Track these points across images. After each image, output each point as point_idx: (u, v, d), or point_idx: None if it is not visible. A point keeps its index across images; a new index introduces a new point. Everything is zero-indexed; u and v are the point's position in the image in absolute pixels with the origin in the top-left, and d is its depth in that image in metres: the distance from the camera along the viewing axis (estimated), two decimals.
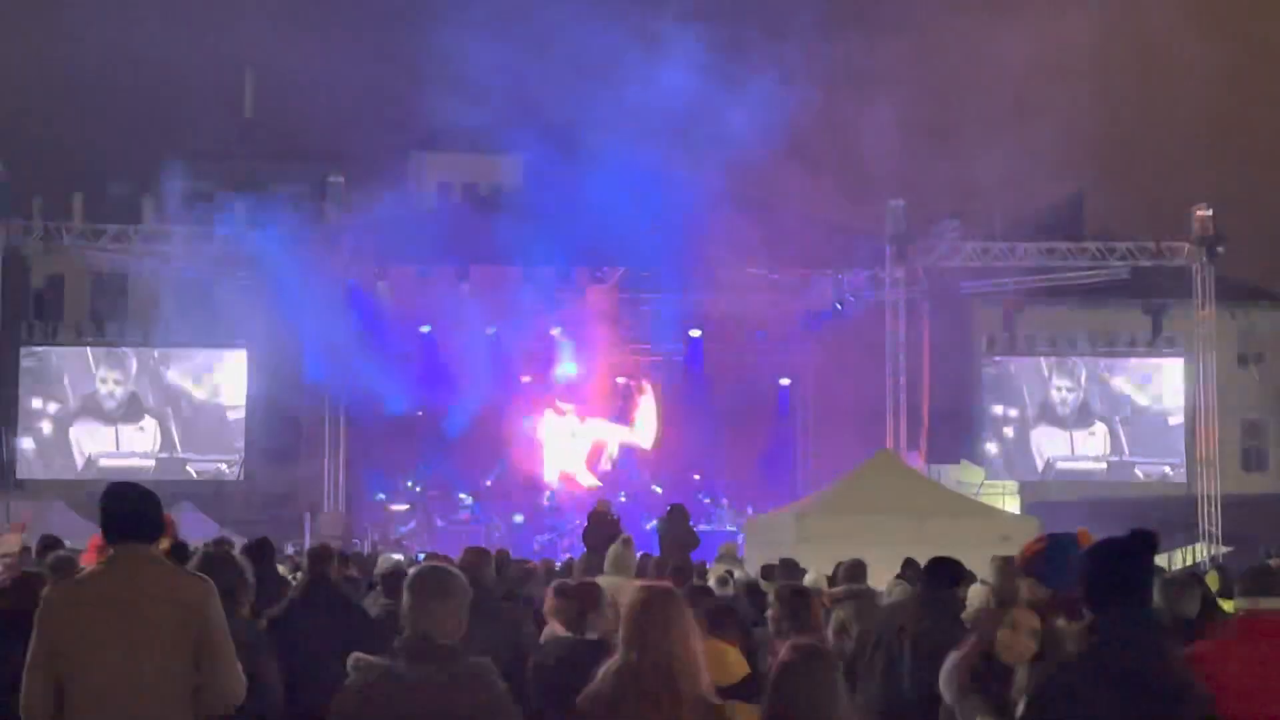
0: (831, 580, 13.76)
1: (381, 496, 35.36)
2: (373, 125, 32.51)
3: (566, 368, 37.02)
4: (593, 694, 5.53)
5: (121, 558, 6.13)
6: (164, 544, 8.58)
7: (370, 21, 30.43)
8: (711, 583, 13.12)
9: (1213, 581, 13.54)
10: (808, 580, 13.79)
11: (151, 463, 32.19)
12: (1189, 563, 30.21)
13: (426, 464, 36.29)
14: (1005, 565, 8.72)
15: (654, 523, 27.25)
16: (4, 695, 7.29)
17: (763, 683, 6.46)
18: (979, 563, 13.30)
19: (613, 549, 11.75)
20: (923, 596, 9.18)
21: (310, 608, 8.86)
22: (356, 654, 5.55)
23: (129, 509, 6.19)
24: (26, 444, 32.41)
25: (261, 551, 10.66)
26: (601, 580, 9.81)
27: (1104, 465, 35.14)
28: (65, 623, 5.99)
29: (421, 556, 23.40)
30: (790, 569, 13.97)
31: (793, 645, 5.80)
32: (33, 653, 6.01)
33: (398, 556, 21.17)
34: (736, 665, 7.80)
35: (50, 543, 13.02)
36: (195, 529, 25.34)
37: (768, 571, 14.69)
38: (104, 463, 32.38)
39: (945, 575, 9.08)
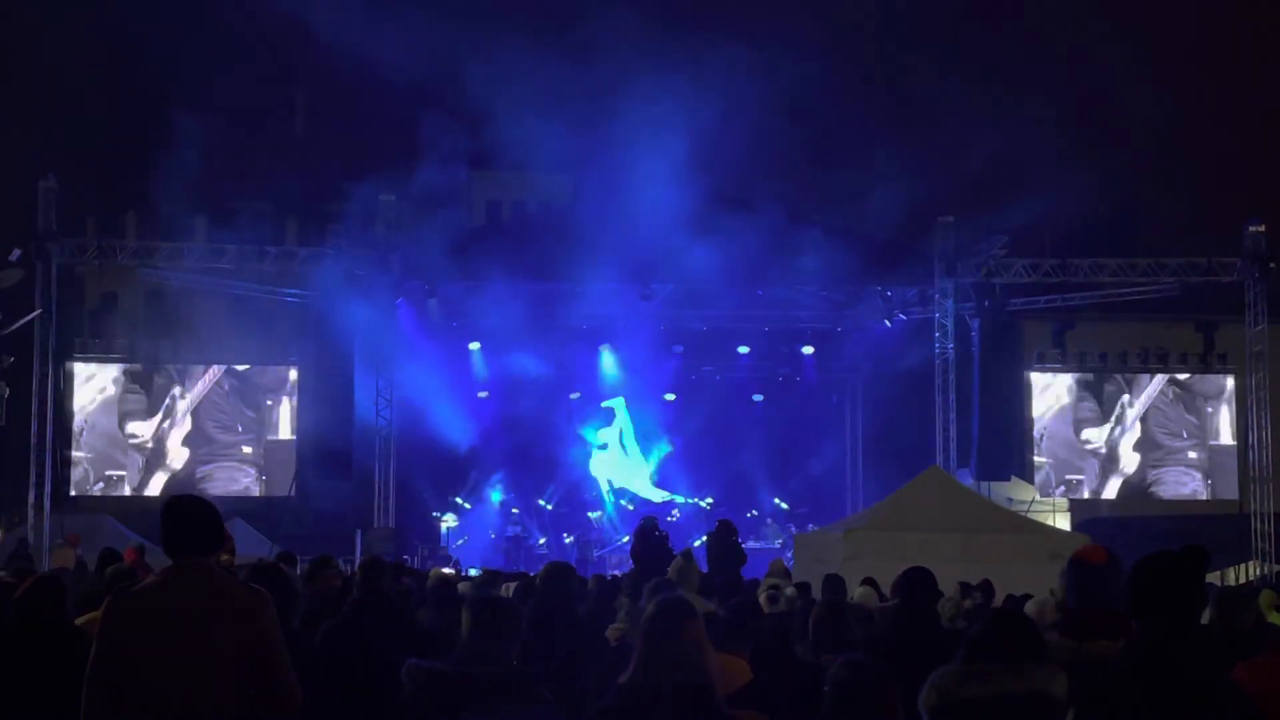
0: (883, 595, 13.76)
1: (435, 515, 35.50)
2: (422, 144, 32.60)
3: (615, 384, 37.14)
4: (605, 709, 5.45)
5: (181, 570, 6.20)
6: (223, 558, 8.70)
7: (419, 41, 30.56)
8: (761, 599, 13.11)
9: (1268, 599, 13.46)
10: (855, 596, 13.78)
11: (204, 479, 32.40)
12: (1242, 580, 30.00)
13: (477, 481, 36.45)
14: None
15: (702, 539, 27.28)
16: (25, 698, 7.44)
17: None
18: (1030, 579, 13.27)
19: (675, 562, 11.72)
20: (901, 609, 9.09)
21: (365, 620, 8.92)
22: (411, 661, 5.60)
23: (190, 522, 6.25)
24: (78, 461, 32.64)
25: None
26: None
27: (1156, 483, 34.91)
28: (125, 633, 6.06)
29: (470, 571, 23.52)
30: (835, 586, 13.90)
31: (846, 664, 5.75)
32: (93, 663, 6.09)
33: (447, 570, 21.29)
34: (739, 674, 7.76)
35: (110, 556, 13.18)
36: (248, 545, 25.54)
37: (804, 590, 14.60)
38: (156, 479, 32.61)
39: (923, 587, 9.01)
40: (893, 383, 35.61)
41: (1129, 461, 35.13)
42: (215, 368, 33.09)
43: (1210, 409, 35.23)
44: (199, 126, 31.38)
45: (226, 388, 33.12)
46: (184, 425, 32.99)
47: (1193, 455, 35.14)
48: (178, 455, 32.96)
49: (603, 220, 30.16)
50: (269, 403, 33.25)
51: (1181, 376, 35.11)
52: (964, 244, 32.53)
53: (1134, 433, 35.12)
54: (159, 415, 32.91)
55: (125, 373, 33.00)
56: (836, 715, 5.49)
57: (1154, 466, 35.24)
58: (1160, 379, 35.01)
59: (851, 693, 5.53)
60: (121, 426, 32.82)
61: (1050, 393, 35.66)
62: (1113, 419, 35.22)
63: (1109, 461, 35.05)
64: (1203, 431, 35.31)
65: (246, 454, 33.22)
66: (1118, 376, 35.03)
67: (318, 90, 43.66)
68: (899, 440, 34.44)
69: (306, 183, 37.40)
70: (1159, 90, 39.22)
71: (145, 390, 32.94)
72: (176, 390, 33.01)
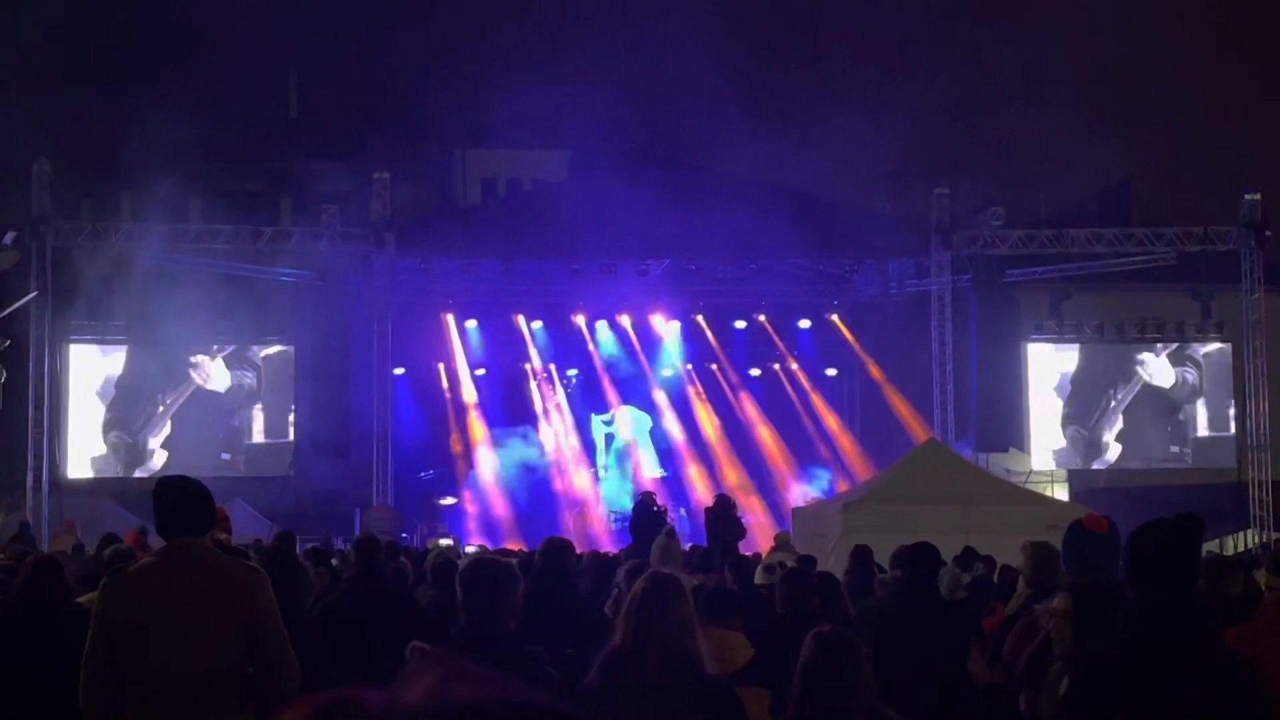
0: (880, 568, 13.75)
1: (432, 491, 35.50)
2: (417, 122, 32.56)
3: (612, 360, 37.11)
4: (593, 684, 5.41)
5: (174, 549, 6.22)
6: (220, 536, 8.70)
7: (414, 19, 30.54)
8: (759, 572, 13.11)
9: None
10: None
11: (201, 459, 32.37)
12: (1240, 549, 30.03)
13: (475, 457, 36.41)
14: (1043, 550, 8.72)
15: (683, 512, 27.26)
16: (33, 680, 7.44)
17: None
18: None
19: (658, 541, 11.76)
20: (906, 581, 9.14)
21: (361, 598, 8.93)
22: (415, 643, 5.59)
23: (181, 502, 6.27)
24: (75, 444, 32.60)
25: None
26: None
27: (1153, 451, 34.93)
28: (121, 612, 6.07)
29: (468, 548, 23.54)
30: (862, 557, 13.70)
31: (815, 635, 5.76)
32: (90, 642, 6.11)
33: (446, 542, 21.28)
34: (740, 651, 7.78)
35: (111, 540, 13.23)
36: (247, 525, 25.54)
37: (807, 564, 14.62)
38: (154, 460, 32.59)
39: (926, 562, 9.07)
40: (890, 355, 35.61)
41: (1101, 431, 35.16)
42: (210, 348, 32.96)
43: (1190, 375, 35.30)
44: (192, 107, 31.33)
45: (222, 367, 33.00)
46: (182, 406, 32.93)
47: (1170, 419, 35.31)
48: (176, 437, 32.91)
49: (598, 196, 30.12)
50: (265, 382, 33.16)
51: (1158, 384, 35.21)
52: (960, 215, 32.52)
53: (1107, 401, 35.17)
54: (157, 396, 32.87)
55: (120, 354, 32.91)
56: (804, 689, 5.50)
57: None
58: (1137, 346, 35.10)
59: (814, 665, 5.54)
60: (117, 408, 32.77)
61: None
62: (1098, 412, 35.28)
63: (1072, 430, 35.12)
64: (1181, 397, 35.39)
65: (243, 434, 33.24)
66: (1090, 347, 35.09)
67: (311, 69, 43.53)
68: (897, 412, 34.46)
69: (300, 162, 37.29)
70: (1155, 59, 39.13)
71: (141, 372, 32.86)
72: (174, 371, 32.93)
